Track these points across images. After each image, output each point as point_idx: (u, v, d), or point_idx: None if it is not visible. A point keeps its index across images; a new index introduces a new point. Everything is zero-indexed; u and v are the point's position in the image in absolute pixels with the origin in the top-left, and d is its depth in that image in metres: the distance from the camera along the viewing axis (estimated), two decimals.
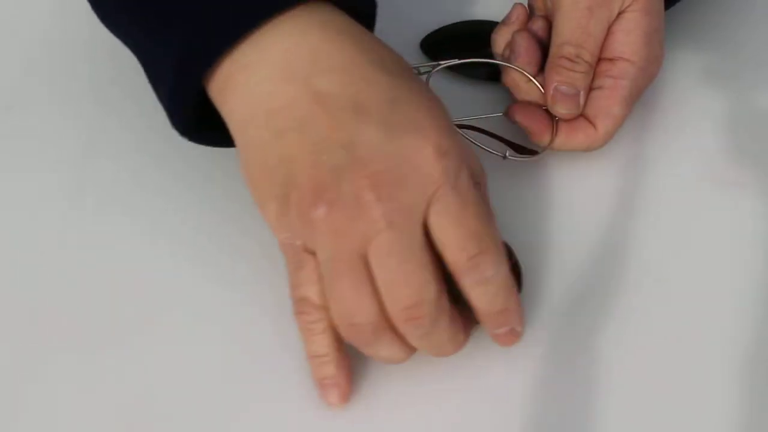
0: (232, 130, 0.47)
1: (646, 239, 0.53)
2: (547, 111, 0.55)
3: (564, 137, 0.54)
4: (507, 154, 0.54)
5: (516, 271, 0.50)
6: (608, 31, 0.54)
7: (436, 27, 0.62)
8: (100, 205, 0.56)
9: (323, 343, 0.46)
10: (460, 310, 0.46)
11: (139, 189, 0.56)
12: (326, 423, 0.48)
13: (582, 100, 0.54)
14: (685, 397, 0.49)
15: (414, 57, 0.60)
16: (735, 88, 0.58)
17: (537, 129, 0.54)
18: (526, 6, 0.57)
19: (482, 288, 0.45)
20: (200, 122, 0.48)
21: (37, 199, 0.56)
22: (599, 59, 0.54)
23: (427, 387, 0.49)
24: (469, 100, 0.58)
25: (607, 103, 0.54)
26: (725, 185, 0.55)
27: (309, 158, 0.43)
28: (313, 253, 0.45)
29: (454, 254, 0.44)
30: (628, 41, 0.53)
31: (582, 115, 0.54)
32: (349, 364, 0.47)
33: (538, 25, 0.56)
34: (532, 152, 0.55)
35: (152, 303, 0.52)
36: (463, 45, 0.61)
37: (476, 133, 0.55)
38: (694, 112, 0.58)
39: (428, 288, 0.43)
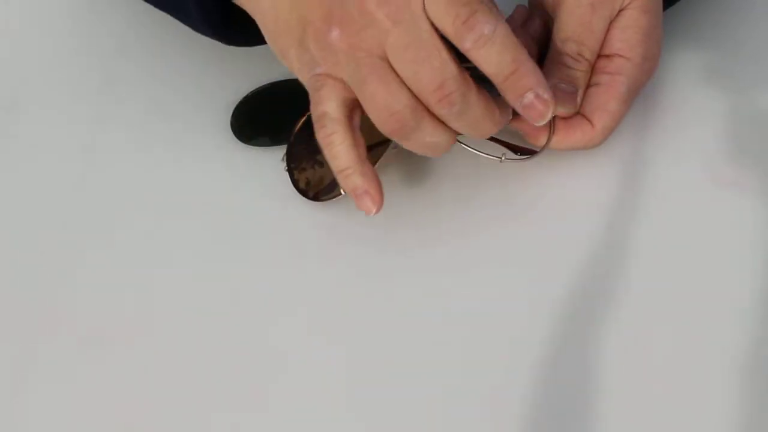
0: (245, 4, 0.52)
1: (646, 239, 0.53)
2: None
3: (561, 135, 0.54)
4: (504, 157, 0.54)
5: None
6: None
7: None
8: (101, 205, 0.56)
9: (344, 156, 0.49)
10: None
11: (139, 189, 0.57)
12: (327, 425, 0.49)
13: (579, 98, 0.54)
14: (685, 397, 0.48)
15: None
16: (735, 87, 0.58)
17: (533, 131, 0.54)
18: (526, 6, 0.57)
19: (486, 48, 0.47)
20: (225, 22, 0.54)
21: (37, 198, 0.57)
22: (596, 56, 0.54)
23: (427, 387, 0.49)
24: None
25: (604, 99, 0.53)
26: (725, 185, 0.55)
27: None
28: (334, 78, 0.49)
29: (450, 25, 0.46)
30: (624, 38, 0.53)
31: (579, 113, 0.54)
32: (375, 175, 0.50)
33: (534, 26, 0.56)
34: (530, 152, 0.55)
35: (152, 303, 0.52)
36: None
37: None
38: (694, 111, 0.58)
39: (448, 66, 0.47)
